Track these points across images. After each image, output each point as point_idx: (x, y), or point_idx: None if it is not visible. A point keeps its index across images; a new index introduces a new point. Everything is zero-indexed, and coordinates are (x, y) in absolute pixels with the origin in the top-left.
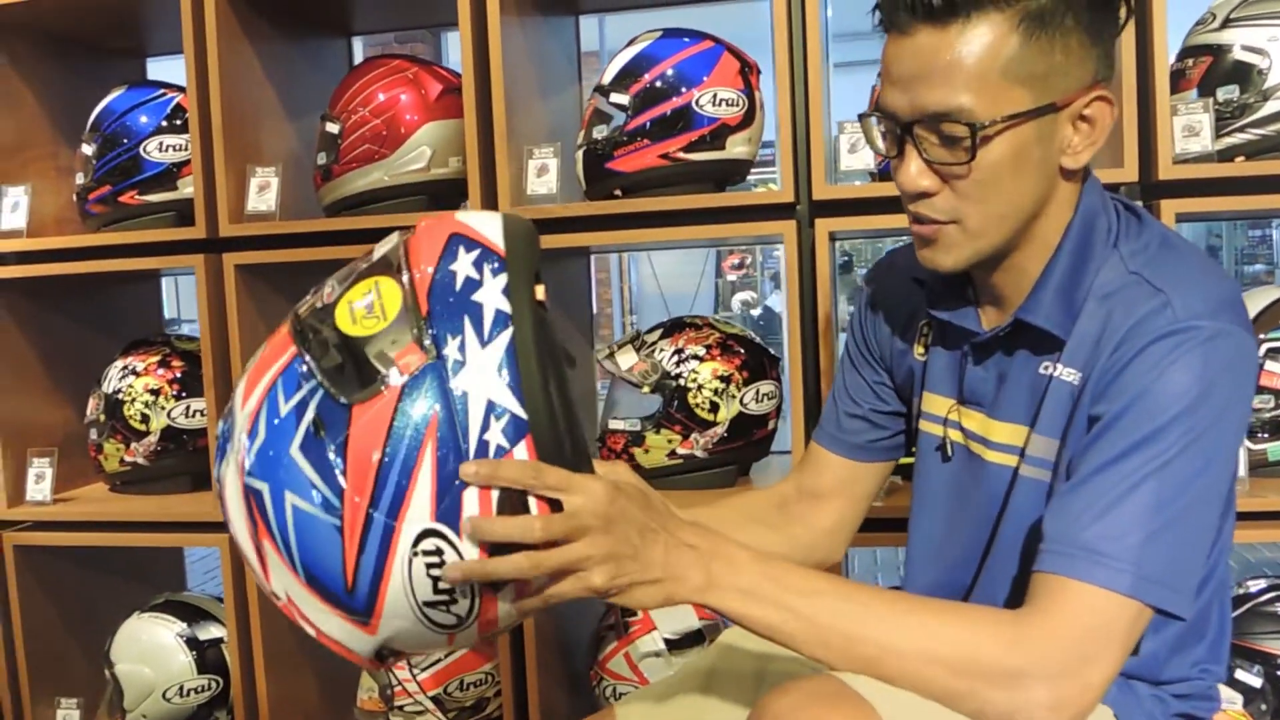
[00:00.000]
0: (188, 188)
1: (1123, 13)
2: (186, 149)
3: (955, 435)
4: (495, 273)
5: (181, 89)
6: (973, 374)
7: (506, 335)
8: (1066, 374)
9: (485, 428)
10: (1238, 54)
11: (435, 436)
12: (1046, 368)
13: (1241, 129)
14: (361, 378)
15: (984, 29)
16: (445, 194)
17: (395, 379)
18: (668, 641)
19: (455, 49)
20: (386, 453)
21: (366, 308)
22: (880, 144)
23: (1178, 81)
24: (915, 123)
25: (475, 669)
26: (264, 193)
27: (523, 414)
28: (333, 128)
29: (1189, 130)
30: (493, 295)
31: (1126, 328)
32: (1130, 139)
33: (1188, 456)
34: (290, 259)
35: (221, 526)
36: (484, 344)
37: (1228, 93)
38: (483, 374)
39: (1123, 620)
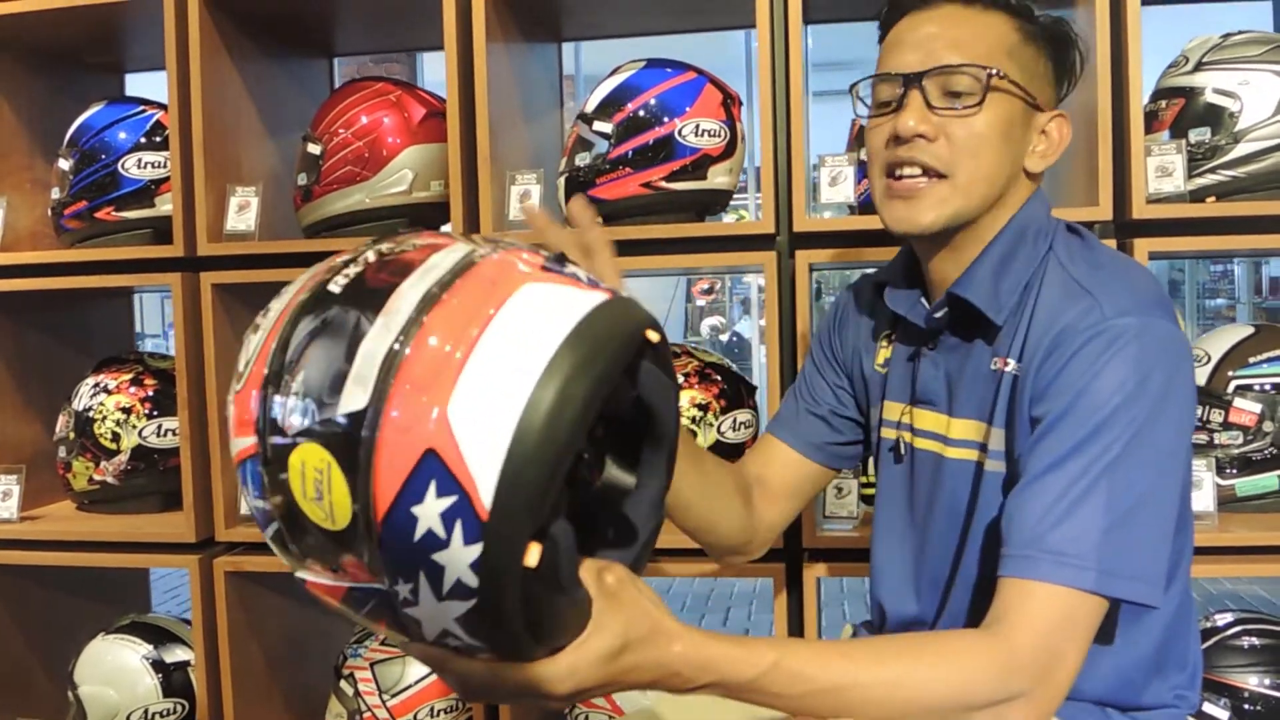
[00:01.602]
0: (165, 205)
1: (1079, 62)
2: (165, 166)
3: (907, 436)
4: (468, 539)
5: (161, 106)
6: (925, 374)
7: (468, 605)
8: (1009, 366)
9: (442, 635)
10: (1210, 97)
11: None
12: (996, 364)
13: (1213, 170)
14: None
15: (997, 19)
16: (426, 217)
17: (341, 579)
18: None
19: (432, 70)
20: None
21: (316, 494)
22: (864, 109)
23: (1151, 122)
24: (926, 74)
25: (445, 696)
26: (243, 212)
27: (479, 644)
28: (314, 148)
29: (1162, 171)
30: (458, 564)
31: (1059, 328)
32: (1105, 178)
33: (1133, 449)
34: (269, 279)
35: (191, 548)
36: (440, 599)
37: (1199, 134)
38: (436, 617)
39: (1086, 616)
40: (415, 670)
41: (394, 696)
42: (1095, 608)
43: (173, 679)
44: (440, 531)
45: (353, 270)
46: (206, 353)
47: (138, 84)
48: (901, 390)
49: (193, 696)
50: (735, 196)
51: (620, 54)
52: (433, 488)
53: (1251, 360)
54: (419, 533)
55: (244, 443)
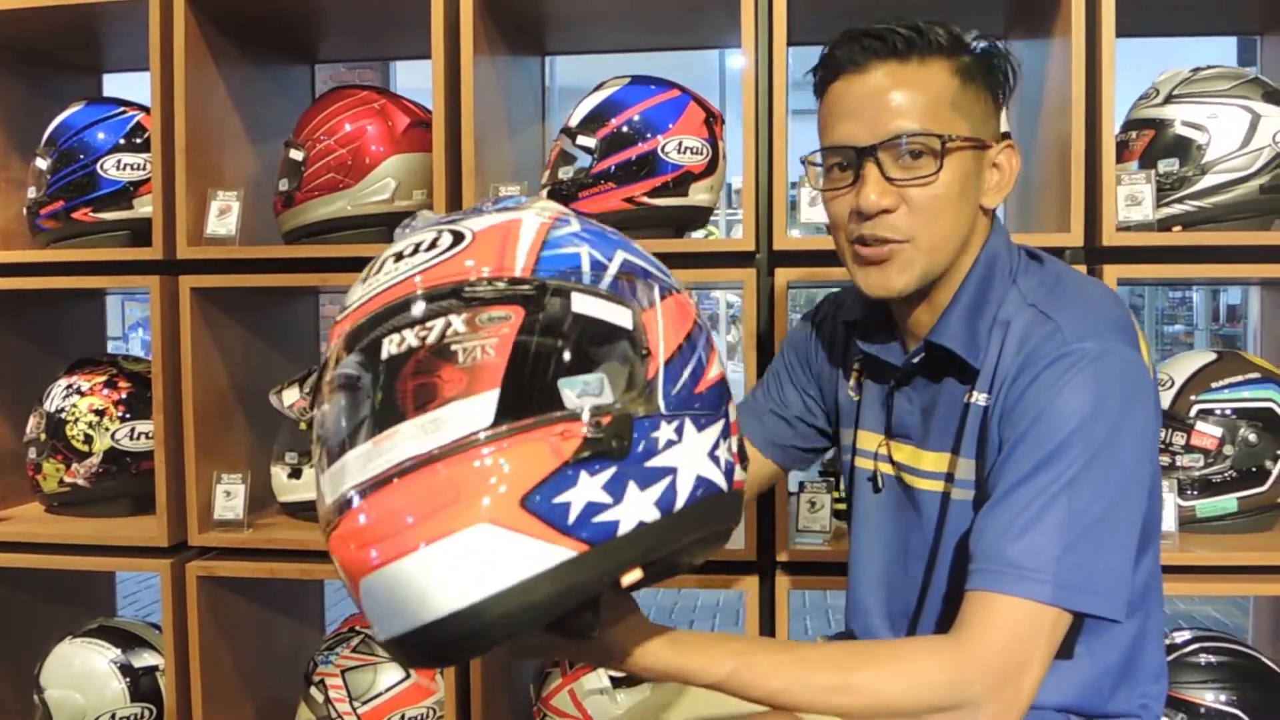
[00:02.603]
0: (144, 207)
1: (1011, 80)
2: (144, 168)
3: (885, 468)
4: None
5: (141, 107)
6: (900, 409)
7: None
8: (979, 398)
9: None
10: (1179, 129)
11: None
12: (966, 397)
13: (1180, 200)
14: None
15: (934, 68)
16: None
17: None
18: (613, 679)
19: (406, 78)
20: None
21: None
22: (819, 183)
23: (1121, 152)
24: (879, 146)
25: (417, 703)
26: (224, 216)
27: None
28: (297, 154)
29: (1132, 200)
30: None
31: (1024, 355)
32: (1077, 206)
33: (1092, 468)
34: (249, 284)
35: (162, 551)
36: None
37: (1168, 165)
38: None
39: (1046, 628)
40: (387, 677)
41: (365, 704)
42: (1056, 619)
43: (141, 684)
44: None
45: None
46: (183, 356)
47: (115, 85)
48: (876, 422)
49: (161, 702)
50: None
51: (592, 68)
52: None
53: (1214, 385)
54: None
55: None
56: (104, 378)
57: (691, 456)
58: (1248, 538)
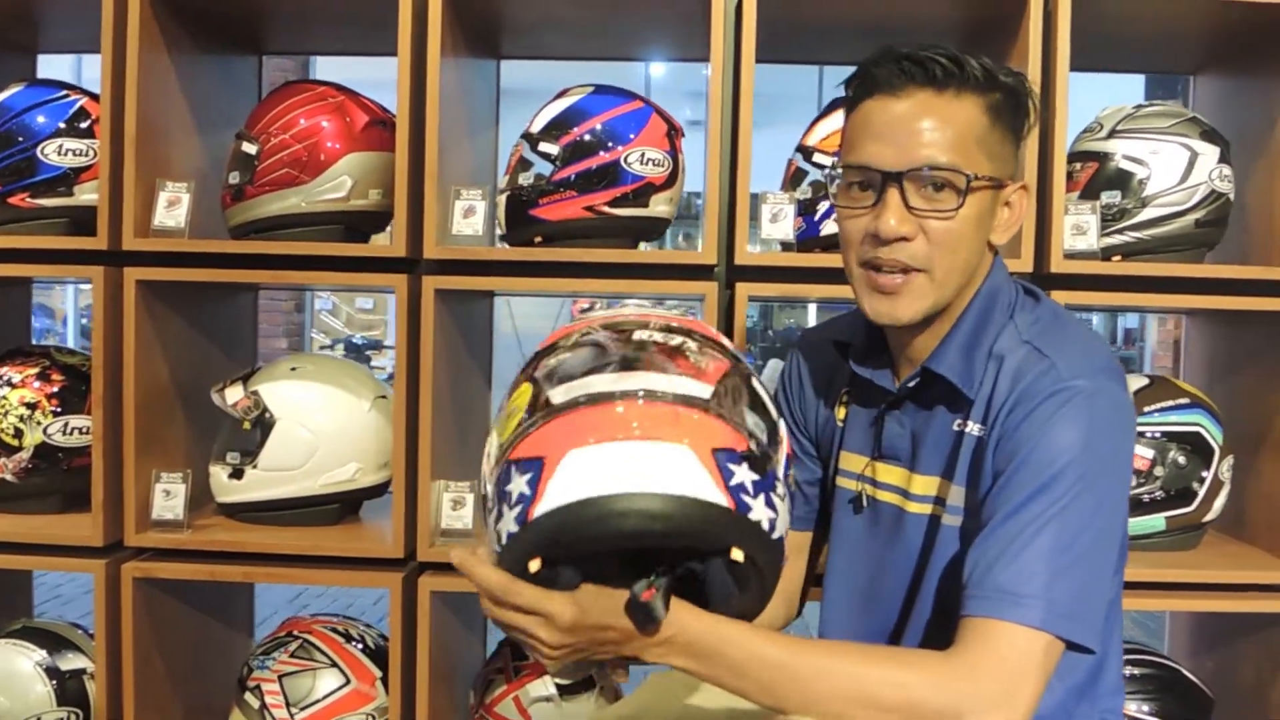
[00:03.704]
0: (85, 195)
1: (1032, 117)
2: (88, 154)
3: (869, 489)
4: (517, 520)
5: (86, 92)
6: (890, 432)
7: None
8: (973, 428)
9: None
10: (1121, 163)
11: None
12: (958, 425)
13: (1120, 231)
14: None
15: (968, 103)
16: (362, 225)
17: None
18: (559, 687)
19: (325, 73)
20: None
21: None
22: (836, 197)
23: (1065, 183)
24: (905, 173)
25: (356, 709)
26: (173, 208)
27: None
28: (249, 148)
29: (1077, 229)
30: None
31: (1020, 389)
32: (1028, 234)
33: (1081, 501)
34: (197, 279)
35: (95, 551)
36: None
37: (1110, 197)
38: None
39: (1038, 652)
40: (325, 683)
41: (303, 709)
42: (1048, 645)
43: (68, 687)
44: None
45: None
46: (126, 351)
47: (50, 67)
48: (864, 444)
49: (88, 706)
50: None
51: (526, 74)
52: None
53: (1146, 409)
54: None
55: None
56: (36, 370)
57: (786, 514)
58: (1173, 555)
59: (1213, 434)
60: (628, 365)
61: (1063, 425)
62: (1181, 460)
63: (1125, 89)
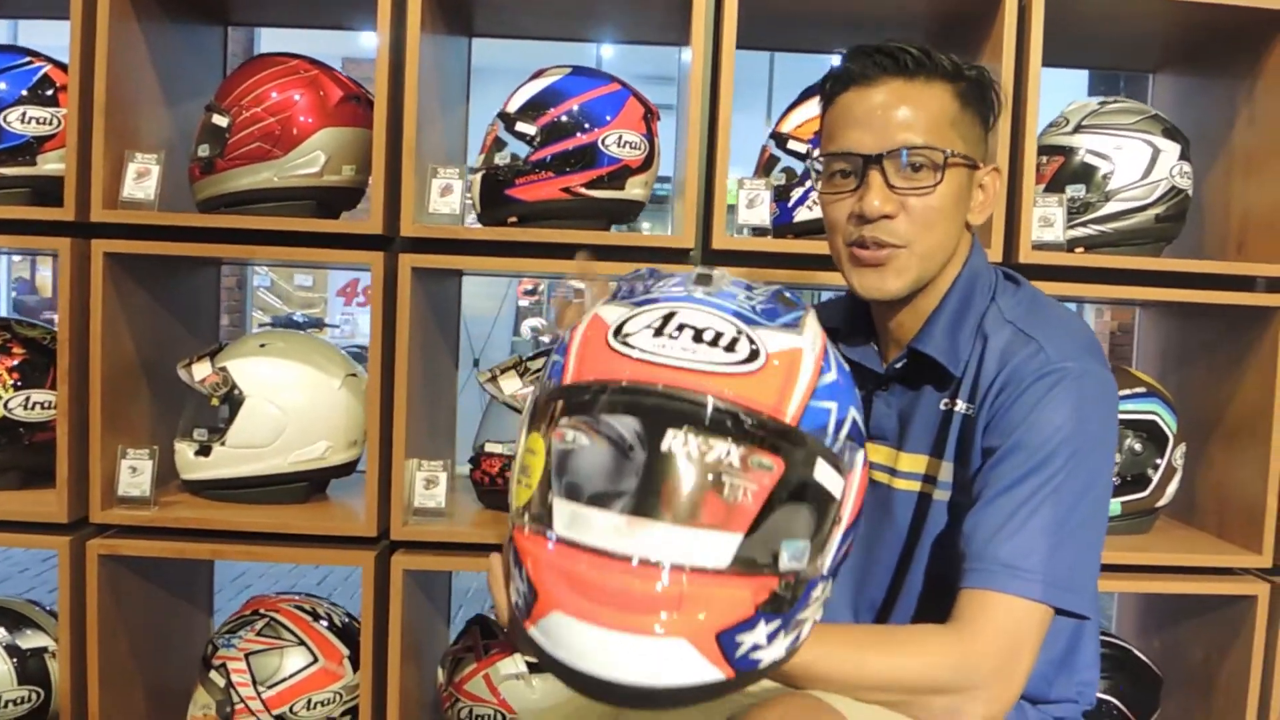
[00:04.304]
0: (49, 164)
1: (997, 107)
2: (52, 123)
3: None
4: None
5: (51, 59)
6: (877, 413)
7: None
8: (960, 406)
9: None
10: (1085, 157)
11: None
12: (945, 403)
13: (1084, 224)
14: None
15: (938, 89)
16: (335, 201)
17: None
18: (529, 664)
19: (267, 48)
20: None
21: None
22: (820, 186)
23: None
24: (885, 155)
25: (324, 687)
26: (142, 180)
27: None
28: (220, 120)
29: (1044, 221)
30: None
31: (1009, 370)
32: (998, 224)
33: (1074, 478)
34: (166, 252)
35: (61, 528)
36: None
37: (1075, 190)
38: None
39: (1035, 623)
40: (293, 661)
41: (270, 688)
42: (1044, 615)
43: (28, 665)
44: None
45: None
46: (93, 324)
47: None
48: None
49: (49, 684)
50: None
51: (515, 55)
52: None
53: None
54: None
55: None
56: None
57: (820, 610)
58: (1127, 539)
59: (1168, 422)
60: (643, 503)
61: (1054, 406)
62: (1138, 447)
63: (1069, 84)
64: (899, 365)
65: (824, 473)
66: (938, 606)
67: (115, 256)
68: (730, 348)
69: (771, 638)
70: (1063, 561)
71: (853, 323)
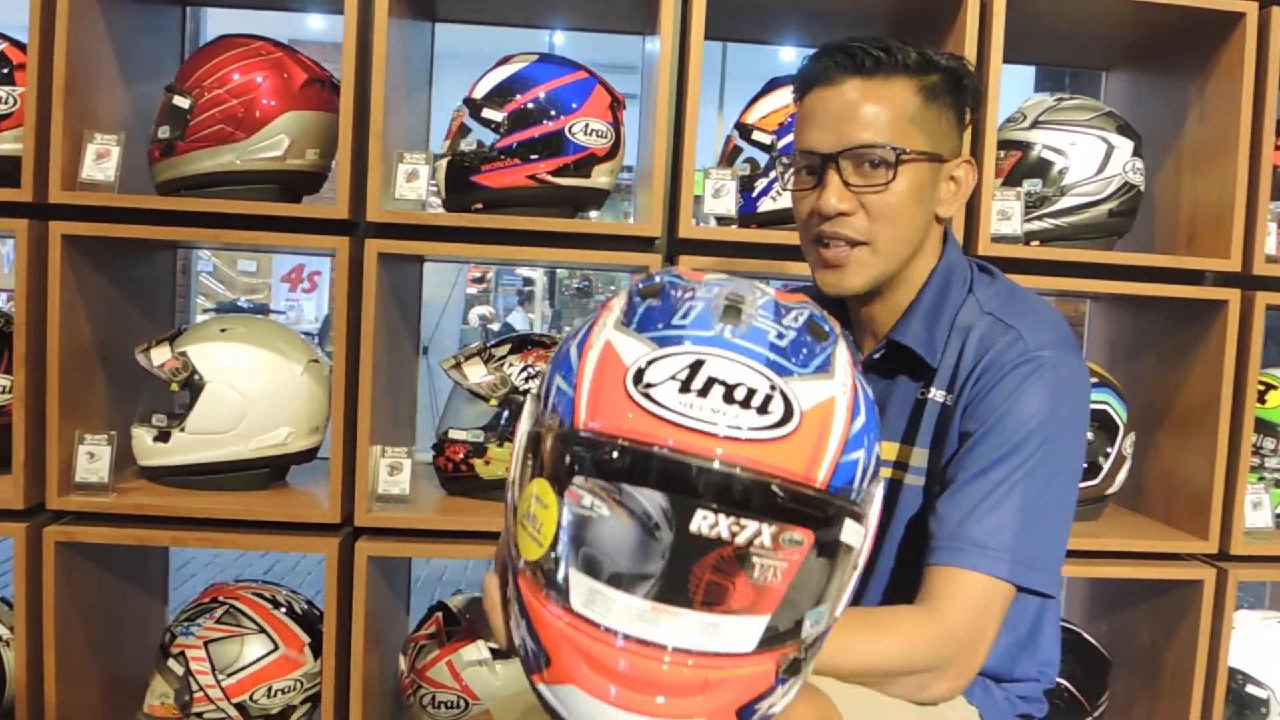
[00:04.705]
0: (5, 144)
1: (974, 98)
2: (9, 101)
3: None
4: None
5: (7, 37)
6: None
7: None
8: (937, 395)
9: None
10: (1042, 152)
11: None
12: (921, 392)
13: (1040, 218)
14: None
15: (898, 87)
16: (298, 185)
17: None
18: (493, 650)
19: (213, 30)
20: None
21: None
22: (789, 182)
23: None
24: (840, 154)
25: (285, 675)
26: (102, 161)
27: None
28: (181, 101)
29: (1002, 214)
30: None
31: (989, 358)
32: (958, 218)
33: (1045, 463)
34: (126, 234)
35: (14, 515)
36: None
37: (1031, 184)
38: None
39: (1001, 600)
40: (253, 649)
41: (230, 676)
42: (1008, 593)
43: None
44: None
45: None
46: (50, 307)
47: None
48: None
49: (4, 673)
50: None
51: (479, 41)
52: None
53: None
54: None
55: None
56: None
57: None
58: (1077, 525)
59: (1118, 412)
60: (668, 590)
61: (1030, 393)
62: (1090, 436)
63: (1017, 80)
64: (876, 356)
65: (849, 530)
66: (908, 585)
67: (73, 239)
68: (763, 408)
69: (787, 695)
70: (1030, 542)
71: (829, 311)
